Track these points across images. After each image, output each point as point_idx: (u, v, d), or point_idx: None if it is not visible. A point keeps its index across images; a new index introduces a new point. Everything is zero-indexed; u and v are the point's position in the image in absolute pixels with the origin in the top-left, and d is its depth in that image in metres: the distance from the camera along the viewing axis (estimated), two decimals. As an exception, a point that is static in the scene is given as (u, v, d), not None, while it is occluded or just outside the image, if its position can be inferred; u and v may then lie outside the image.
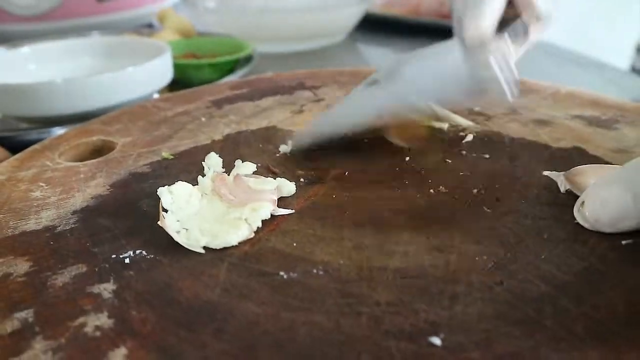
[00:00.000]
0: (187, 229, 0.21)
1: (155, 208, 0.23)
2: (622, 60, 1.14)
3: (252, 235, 0.21)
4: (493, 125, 0.31)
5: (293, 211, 0.23)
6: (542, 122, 0.31)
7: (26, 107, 0.38)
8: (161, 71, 0.43)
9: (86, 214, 0.23)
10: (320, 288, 0.18)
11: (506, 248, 0.20)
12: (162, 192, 0.22)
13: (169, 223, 0.21)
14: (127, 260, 0.20)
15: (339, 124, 0.28)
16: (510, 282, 0.18)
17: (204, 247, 0.20)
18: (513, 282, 0.18)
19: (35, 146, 0.30)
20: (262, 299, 0.18)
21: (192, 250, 0.20)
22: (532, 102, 0.35)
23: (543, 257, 0.19)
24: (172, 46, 0.47)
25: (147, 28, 0.77)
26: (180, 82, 0.51)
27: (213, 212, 0.22)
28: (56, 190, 0.25)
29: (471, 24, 0.24)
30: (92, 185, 0.25)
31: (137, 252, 0.20)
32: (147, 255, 0.20)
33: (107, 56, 0.50)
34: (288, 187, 0.24)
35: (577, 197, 0.22)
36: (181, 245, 0.20)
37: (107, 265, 0.20)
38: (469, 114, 0.33)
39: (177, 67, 0.48)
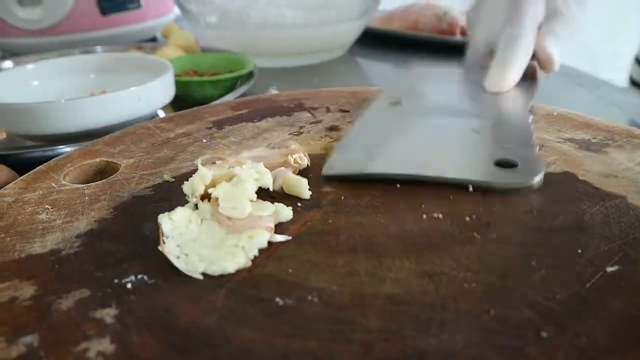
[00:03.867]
0: (186, 255, 0.22)
1: (156, 232, 0.24)
2: (621, 73, 1.15)
3: (249, 263, 0.22)
4: (486, 148, 0.32)
5: (290, 238, 0.23)
6: (534, 145, 0.32)
7: (30, 125, 0.39)
8: (164, 90, 0.45)
9: (90, 238, 0.24)
10: (314, 314, 0.19)
11: (494, 275, 0.21)
12: (162, 218, 0.23)
13: (169, 249, 0.22)
14: (129, 286, 0.21)
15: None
16: (497, 309, 0.19)
17: (202, 273, 0.21)
18: (500, 310, 0.19)
19: (41, 167, 0.31)
20: (258, 325, 0.18)
21: (191, 276, 0.21)
22: (525, 124, 0.35)
23: (530, 284, 0.20)
24: (173, 63, 0.49)
25: (150, 42, 0.79)
26: (182, 98, 0.52)
27: (212, 237, 0.23)
28: (61, 213, 0.26)
29: (497, 72, 0.26)
30: (96, 209, 0.26)
31: (139, 276, 0.21)
32: (149, 280, 0.21)
33: (110, 72, 0.51)
34: (285, 213, 0.25)
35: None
36: (181, 271, 0.21)
37: (109, 290, 0.20)
38: (463, 136, 0.34)
39: (179, 84, 0.49)
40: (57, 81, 0.48)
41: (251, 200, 0.24)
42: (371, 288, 0.20)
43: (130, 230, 0.24)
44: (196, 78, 0.53)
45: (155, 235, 0.24)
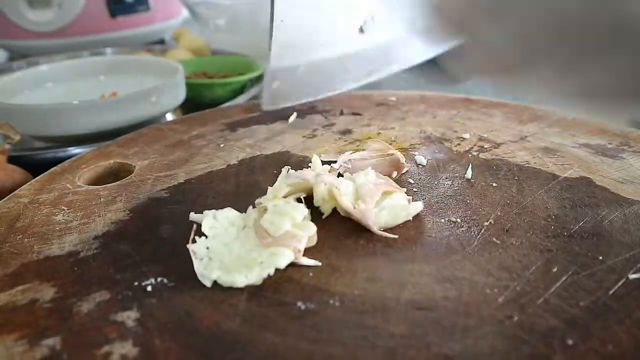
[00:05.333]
0: (210, 258, 0.21)
1: (174, 235, 0.24)
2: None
3: (260, 281, 0.21)
4: (501, 153, 0.32)
5: (319, 264, 0.22)
6: (549, 150, 0.32)
7: (44, 127, 0.39)
8: (175, 91, 0.45)
9: (107, 240, 0.24)
10: (337, 319, 0.19)
11: (516, 281, 0.20)
12: (207, 215, 0.23)
13: (197, 248, 0.21)
14: (149, 288, 0.20)
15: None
16: (520, 315, 0.19)
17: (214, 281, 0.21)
18: (523, 316, 0.19)
19: (55, 168, 0.31)
20: (281, 329, 0.18)
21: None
22: (539, 129, 0.35)
23: (552, 290, 0.20)
24: (183, 65, 0.49)
25: (160, 45, 0.79)
26: (192, 100, 0.52)
27: (243, 246, 0.22)
28: (77, 215, 0.26)
29: None
30: (112, 210, 0.26)
31: (159, 279, 0.21)
32: (169, 283, 0.21)
33: (120, 74, 0.51)
34: (310, 231, 0.23)
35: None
36: (194, 274, 0.21)
37: (130, 293, 0.20)
38: (479, 140, 0.34)
39: (189, 87, 0.49)
40: (69, 83, 0.48)
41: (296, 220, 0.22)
42: (392, 293, 0.20)
43: (148, 233, 0.24)
44: (206, 80, 0.53)
45: (173, 238, 0.24)
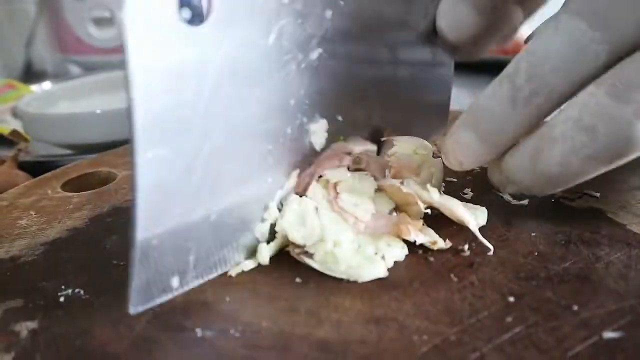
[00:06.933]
0: (312, 253, 0.20)
1: (117, 245, 0.23)
2: None
3: (386, 273, 0.20)
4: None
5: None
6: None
7: (66, 135, 0.41)
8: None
9: (53, 247, 0.24)
10: (227, 351, 0.17)
11: (455, 328, 0.17)
12: (291, 203, 0.21)
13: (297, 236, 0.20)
14: (61, 299, 0.20)
15: None
16: (441, 372, 0.15)
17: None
18: (444, 373, 0.15)
19: (47, 174, 0.32)
20: (166, 358, 0.17)
21: (123, 296, 0.20)
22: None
23: (495, 344, 0.16)
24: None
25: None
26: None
27: (337, 234, 0.21)
28: (41, 220, 0.26)
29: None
30: (73, 217, 0.26)
31: (76, 290, 0.20)
32: (83, 296, 0.20)
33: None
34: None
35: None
36: (119, 287, 0.20)
37: (41, 302, 0.20)
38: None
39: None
40: (101, 96, 0.51)
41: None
42: (305, 329, 0.18)
43: (94, 242, 0.24)
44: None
45: (114, 249, 0.23)
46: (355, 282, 0.20)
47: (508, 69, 0.21)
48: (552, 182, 0.20)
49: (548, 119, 0.21)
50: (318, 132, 0.22)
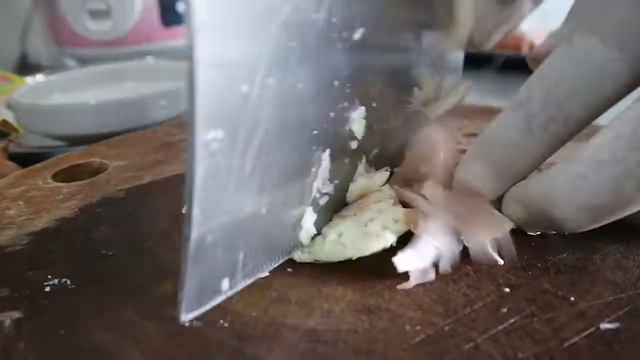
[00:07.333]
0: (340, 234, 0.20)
1: (106, 235, 0.23)
2: None
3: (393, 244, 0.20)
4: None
5: None
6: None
7: (58, 126, 0.41)
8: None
9: (40, 237, 0.23)
10: (217, 342, 0.16)
11: (449, 318, 0.17)
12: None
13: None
14: (47, 289, 0.19)
15: None
16: (433, 362, 0.15)
17: None
18: (437, 364, 0.15)
19: (38, 165, 0.31)
20: (152, 347, 0.16)
21: (110, 286, 0.19)
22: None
23: (489, 334, 0.16)
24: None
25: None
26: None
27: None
28: (29, 210, 0.26)
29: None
30: (63, 208, 0.26)
31: (62, 280, 0.20)
32: (70, 286, 0.20)
33: (148, 81, 0.52)
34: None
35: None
36: (107, 278, 0.20)
37: (27, 292, 0.19)
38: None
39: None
40: (97, 88, 0.50)
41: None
42: (295, 319, 0.17)
43: (82, 232, 0.23)
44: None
45: (102, 239, 0.23)
46: (347, 272, 0.19)
47: (520, 95, 0.19)
48: (597, 214, 0.18)
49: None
50: (357, 120, 0.22)
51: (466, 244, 0.20)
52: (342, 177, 0.22)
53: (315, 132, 0.19)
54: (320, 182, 0.21)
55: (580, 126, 0.19)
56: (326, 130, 0.20)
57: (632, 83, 0.18)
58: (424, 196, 0.21)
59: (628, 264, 0.19)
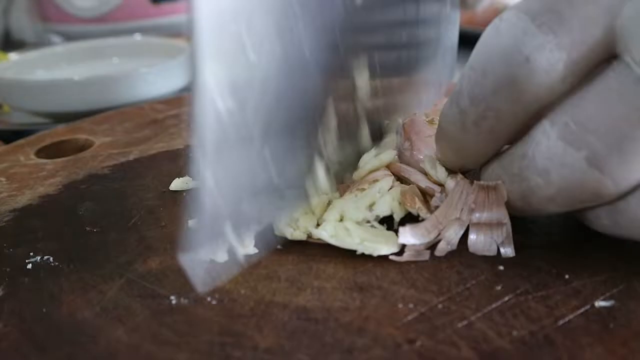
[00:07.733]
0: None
1: (91, 212, 0.22)
2: None
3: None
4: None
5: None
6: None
7: (42, 103, 0.40)
8: (177, 73, 0.43)
9: (23, 213, 0.23)
10: (204, 320, 0.16)
11: (443, 296, 0.16)
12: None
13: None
14: (29, 266, 0.19)
15: None
16: (426, 341, 0.15)
17: None
18: (430, 342, 0.15)
19: (21, 141, 0.31)
20: (136, 325, 0.16)
21: (95, 263, 0.19)
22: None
23: (483, 312, 0.16)
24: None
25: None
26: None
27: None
28: (12, 187, 0.25)
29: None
30: (46, 184, 0.25)
31: (45, 257, 0.19)
32: (52, 263, 0.19)
33: (135, 57, 0.51)
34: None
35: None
36: (84, 255, 0.19)
37: (7, 269, 0.19)
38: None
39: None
40: (83, 64, 0.48)
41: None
42: (284, 297, 0.17)
43: (66, 209, 0.23)
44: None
45: (87, 215, 0.22)
46: (338, 248, 0.19)
47: (456, 87, 0.17)
48: (522, 212, 0.18)
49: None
50: (363, 87, 0.22)
51: (469, 237, 0.19)
52: (349, 146, 0.22)
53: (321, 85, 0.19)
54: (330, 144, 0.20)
55: (520, 121, 0.16)
56: (332, 82, 0.20)
57: (569, 80, 0.15)
58: (422, 171, 0.21)
59: (622, 242, 0.19)
